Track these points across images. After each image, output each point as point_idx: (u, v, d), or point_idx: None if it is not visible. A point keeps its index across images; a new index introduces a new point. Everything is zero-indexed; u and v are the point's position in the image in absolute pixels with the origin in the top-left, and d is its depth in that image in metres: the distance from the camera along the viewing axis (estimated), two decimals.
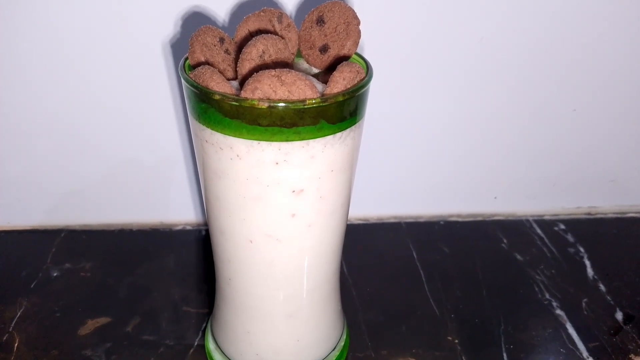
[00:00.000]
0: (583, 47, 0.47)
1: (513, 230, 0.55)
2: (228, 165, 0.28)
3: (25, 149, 0.48)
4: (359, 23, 0.30)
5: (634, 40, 0.47)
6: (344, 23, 0.30)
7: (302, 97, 0.26)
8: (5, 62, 0.43)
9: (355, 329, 0.43)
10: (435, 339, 0.42)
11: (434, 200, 0.56)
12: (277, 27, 0.31)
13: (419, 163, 0.53)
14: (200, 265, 0.50)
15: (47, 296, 0.45)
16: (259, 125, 0.26)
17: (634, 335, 0.43)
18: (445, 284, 0.48)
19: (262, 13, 0.31)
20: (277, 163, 0.27)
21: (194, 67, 0.30)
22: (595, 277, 0.49)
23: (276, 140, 0.27)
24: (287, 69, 0.26)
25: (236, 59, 0.30)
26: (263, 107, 0.25)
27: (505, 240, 0.54)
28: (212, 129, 0.27)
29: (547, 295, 0.47)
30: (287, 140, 0.27)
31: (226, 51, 0.31)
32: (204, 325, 0.43)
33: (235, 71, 0.30)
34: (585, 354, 0.41)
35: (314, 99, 0.26)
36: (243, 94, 0.26)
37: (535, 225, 0.56)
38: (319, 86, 0.29)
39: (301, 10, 0.43)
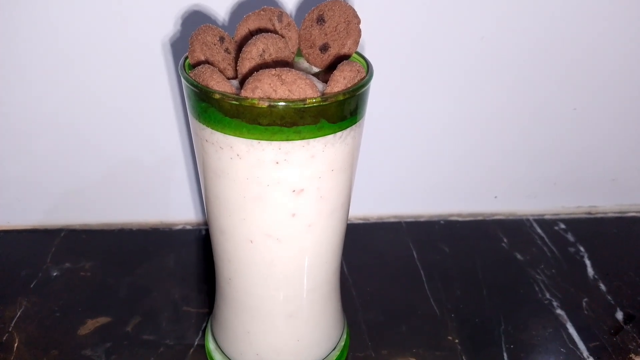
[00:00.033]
0: (583, 47, 0.47)
1: (513, 229, 0.55)
2: (228, 165, 0.28)
3: (25, 148, 0.48)
4: (359, 22, 0.30)
5: (634, 40, 0.47)
6: (345, 22, 0.30)
7: (302, 97, 0.26)
8: (5, 62, 0.43)
9: (356, 328, 0.43)
10: (436, 339, 0.42)
11: (434, 199, 0.56)
12: (277, 26, 0.31)
13: (419, 163, 0.53)
14: (200, 265, 0.50)
15: (47, 296, 0.45)
16: (259, 124, 0.26)
17: (635, 334, 0.43)
18: (446, 284, 0.48)
19: (262, 12, 0.31)
20: (277, 162, 0.27)
21: (194, 66, 0.30)
22: (596, 276, 0.49)
23: (276, 140, 0.26)
24: (288, 68, 0.26)
25: (236, 58, 0.30)
26: (263, 106, 0.25)
27: (505, 240, 0.54)
28: (212, 128, 0.27)
29: (548, 295, 0.47)
30: (287, 140, 0.27)
31: (226, 50, 0.31)
32: (204, 325, 0.43)
33: (236, 70, 0.30)
34: (585, 353, 0.41)
35: (315, 98, 0.26)
36: (243, 93, 0.26)
37: (535, 225, 0.56)
38: (320, 85, 0.29)
39: (301, 9, 0.43)
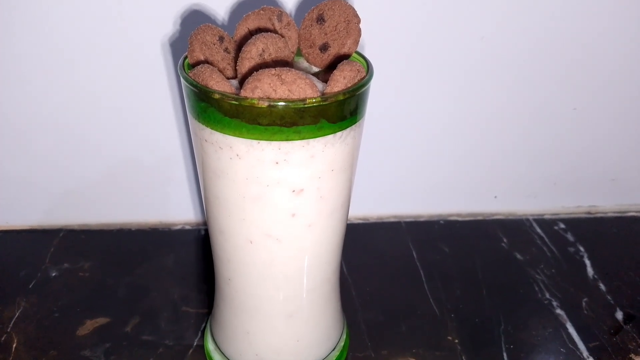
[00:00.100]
0: (583, 47, 0.47)
1: (513, 229, 0.55)
2: (227, 165, 0.28)
3: (24, 148, 0.48)
4: (359, 21, 0.30)
5: (634, 40, 0.47)
6: (344, 21, 0.30)
7: (302, 96, 0.26)
8: (4, 62, 0.43)
9: (355, 328, 0.43)
10: (435, 339, 0.42)
11: (434, 199, 0.56)
12: (277, 26, 0.31)
13: (419, 163, 0.53)
14: (199, 265, 0.49)
15: (45, 296, 0.45)
16: (259, 124, 0.26)
17: (634, 334, 0.43)
18: (445, 284, 0.48)
19: (261, 11, 0.31)
20: (277, 162, 0.27)
21: (193, 66, 0.30)
22: (596, 276, 0.49)
23: (276, 140, 0.26)
24: (287, 68, 0.26)
25: (236, 58, 0.30)
26: (263, 106, 0.25)
27: (505, 240, 0.54)
28: (212, 128, 0.27)
29: (547, 295, 0.47)
30: (287, 140, 0.26)
31: (226, 50, 0.31)
32: (203, 325, 0.43)
33: (235, 70, 0.30)
34: (585, 353, 0.41)
35: (315, 98, 0.26)
36: (243, 93, 0.26)
37: (535, 225, 0.56)
38: (319, 85, 0.29)
39: (301, 8, 0.43)
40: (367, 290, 0.47)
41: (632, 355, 0.41)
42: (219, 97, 0.26)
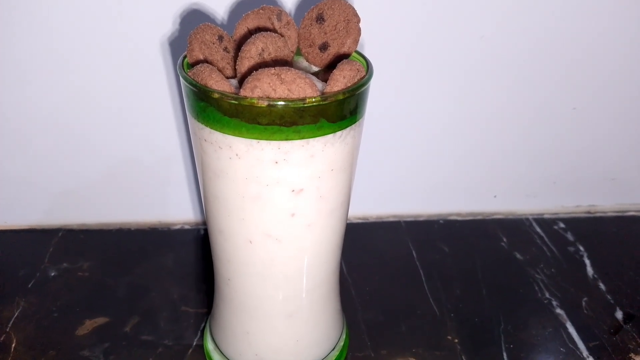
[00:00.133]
0: (583, 47, 0.47)
1: (513, 229, 0.55)
2: (227, 165, 0.28)
3: (23, 147, 0.48)
4: (359, 21, 0.30)
5: (634, 40, 0.47)
6: (344, 21, 0.30)
7: (302, 96, 0.26)
8: (4, 62, 0.43)
9: (355, 328, 0.43)
10: (435, 339, 0.42)
11: (434, 199, 0.56)
12: (277, 25, 0.31)
13: (419, 162, 0.53)
14: (198, 265, 0.49)
15: (44, 296, 0.45)
16: (259, 124, 0.26)
17: (634, 334, 0.43)
18: (445, 283, 0.48)
19: (261, 10, 0.31)
20: (276, 162, 0.27)
21: (192, 65, 0.30)
22: (595, 276, 0.49)
23: (276, 139, 0.26)
24: (287, 67, 0.26)
25: (235, 57, 0.30)
26: (262, 105, 0.25)
27: (505, 239, 0.54)
28: (211, 128, 0.27)
29: (547, 295, 0.47)
30: (286, 139, 0.26)
31: (225, 49, 0.31)
32: (203, 325, 0.43)
33: (234, 69, 0.30)
34: (585, 353, 0.41)
35: (314, 97, 0.26)
36: (242, 93, 0.26)
37: (535, 224, 0.56)
38: (319, 84, 0.29)
39: (301, 7, 0.43)
40: (366, 290, 0.47)
41: (632, 355, 0.41)
42: (218, 97, 0.26)
